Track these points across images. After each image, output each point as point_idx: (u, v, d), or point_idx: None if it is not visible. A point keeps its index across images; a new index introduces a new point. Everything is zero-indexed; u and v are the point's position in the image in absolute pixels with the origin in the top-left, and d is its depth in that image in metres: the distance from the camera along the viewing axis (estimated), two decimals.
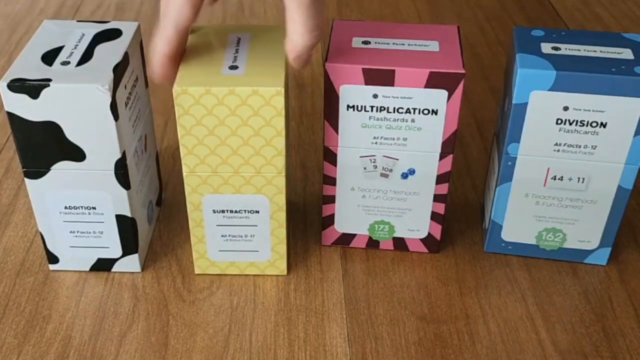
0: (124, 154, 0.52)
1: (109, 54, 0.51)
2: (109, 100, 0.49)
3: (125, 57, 0.52)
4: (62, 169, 0.52)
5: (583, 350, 0.52)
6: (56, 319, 0.54)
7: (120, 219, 0.55)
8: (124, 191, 0.53)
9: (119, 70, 0.50)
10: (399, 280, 0.58)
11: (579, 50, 0.53)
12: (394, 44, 0.53)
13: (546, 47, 0.53)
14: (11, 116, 0.49)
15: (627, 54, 0.52)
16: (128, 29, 0.55)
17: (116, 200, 0.54)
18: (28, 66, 0.50)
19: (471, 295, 0.56)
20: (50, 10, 0.96)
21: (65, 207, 0.54)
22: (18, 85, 0.48)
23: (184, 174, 0.52)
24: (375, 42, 0.53)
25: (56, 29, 0.54)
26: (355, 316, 0.54)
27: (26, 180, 0.52)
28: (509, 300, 0.56)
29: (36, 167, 0.52)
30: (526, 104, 0.52)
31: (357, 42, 0.53)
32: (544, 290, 0.57)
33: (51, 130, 0.50)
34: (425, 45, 0.52)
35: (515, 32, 0.55)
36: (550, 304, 0.56)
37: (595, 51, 0.52)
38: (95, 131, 0.50)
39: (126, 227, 0.55)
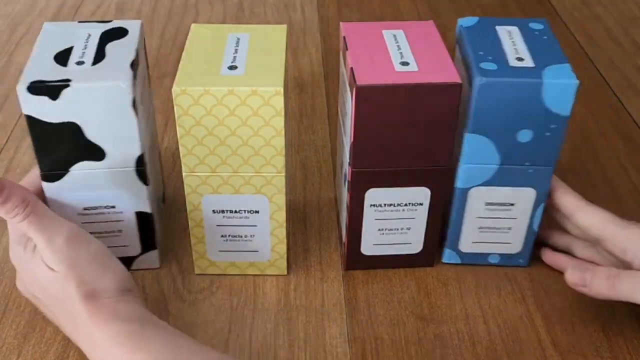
0: (144, 150, 0.52)
1: (121, 52, 0.51)
2: (131, 97, 0.49)
3: (137, 54, 0.52)
4: (81, 169, 0.52)
5: (583, 350, 0.52)
6: None
7: (140, 215, 0.55)
8: (144, 187, 0.53)
9: (134, 67, 0.50)
10: (398, 280, 0.58)
11: None
12: None
13: None
14: (30, 119, 0.49)
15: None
16: (133, 27, 0.55)
17: (136, 197, 0.53)
18: (43, 68, 0.49)
19: (471, 295, 0.56)
20: (50, 10, 0.96)
21: (84, 209, 0.54)
22: (38, 87, 0.48)
23: (184, 174, 0.52)
24: None
25: (58, 30, 0.54)
26: (355, 316, 0.54)
27: (44, 183, 0.52)
28: (509, 300, 0.56)
29: (55, 170, 0.51)
30: None
31: None
32: (544, 290, 0.57)
33: (70, 130, 0.50)
34: None
35: None
36: (550, 304, 0.56)
37: None
38: (117, 129, 0.50)
39: (146, 223, 0.55)
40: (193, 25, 0.55)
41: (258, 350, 0.52)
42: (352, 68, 0.51)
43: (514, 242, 0.57)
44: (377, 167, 0.53)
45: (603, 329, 0.54)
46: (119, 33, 0.54)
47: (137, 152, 0.51)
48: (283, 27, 0.55)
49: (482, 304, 0.56)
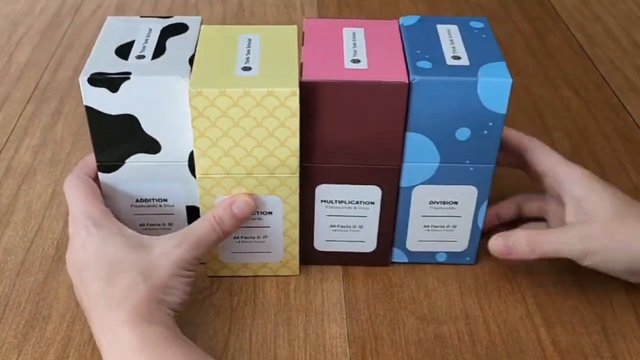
0: None
1: (181, 47, 0.52)
2: (188, 91, 0.49)
3: (196, 49, 0.52)
4: (136, 162, 0.52)
5: (583, 350, 0.52)
6: (56, 319, 0.54)
7: (190, 209, 0.55)
8: (196, 182, 0.53)
9: (192, 62, 0.51)
10: (398, 280, 0.58)
11: None
12: None
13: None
14: (89, 110, 0.50)
15: None
16: (193, 23, 0.55)
17: (188, 191, 0.54)
18: (104, 61, 0.50)
19: (471, 295, 0.56)
20: (50, 10, 0.96)
21: (137, 200, 0.54)
22: (98, 79, 0.49)
23: (197, 176, 0.52)
24: None
25: (121, 24, 0.55)
26: (355, 316, 0.54)
27: (99, 174, 0.53)
28: (509, 300, 0.56)
29: (111, 161, 0.52)
30: None
31: None
32: (544, 290, 0.57)
33: (128, 123, 0.50)
34: None
35: None
36: (550, 304, 0.56)
37: None
38: (173, 122, 0.50)
39: (196, 217, 0.55)
40: (203, 27, 0.55)
41: (258, 350, 0.52)
42: (301, 63, 0.51)
43: (459, 240, 0.57)
44: (326, 163, 0.53)
45: (603, 329, 0.54)
46: (180, 28, 0.54)
47: (190, 147, 0.52)
48: (293, 28, 0.55)
49: (482, 304, 0.56)
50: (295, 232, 0.55)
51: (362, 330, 0.53)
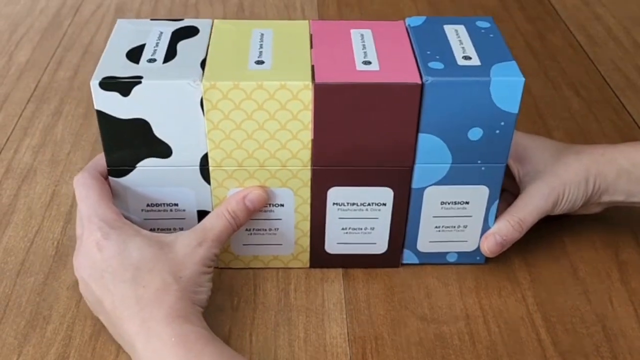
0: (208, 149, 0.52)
1: (193, 50, 0.52)
2: (200, 95, 0.49)
3: (207, 53, 0.52)
4: (147, 166, 0.52)
5: (584, 350, 0.52)
6: (56, 319, 0.54)
7: (201, 214, 0.55)
8: (208, 186, 0.53)
9: (204, 65, 0.51)
10: (399, 280, 0.58)
11: None
12: None
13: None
14: (100, 114, 0.50)
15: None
16: (204, 26, 0.55)
17: (199, 196, 0.54)
18: (115, 65, 0.50)
19: (471, 296, 0.56)
20: (50, 10, 0.96)
21: (148, 205, 0.54)
22: (110, 83, 0.49)
23: (210, 168, 0.52)
24: None
25: (132, 27, 0.55)
26: (355, 316, 0.54)
27: (110, 178, 0.53)
28: (509, 301, 0.56)
29: (121, 165, 0.52)
30: None
31: None
32: (544, 290, 0.57)
33: (139, 127, 0.50)
34: None
35: None
36: (551, 304, 0.56)
37: None
38: (184, 127, 0.50)
39: None
40: (215, 21, 0.55)
41: (259, 350, 0.52)
42: (313, 66, 0.51)
43: (470, 240, 0.57)
44: (339, 165, 0.53)
45: (603, 329, 0.54)
46: (190, 32, 0.54)
47: (203, 151, 0.52)
48: (305, 23, 0.55)
49: (482, 304, 0.56)
50: (306, 225, 0.55)
51: (362, 330, 0.53)
